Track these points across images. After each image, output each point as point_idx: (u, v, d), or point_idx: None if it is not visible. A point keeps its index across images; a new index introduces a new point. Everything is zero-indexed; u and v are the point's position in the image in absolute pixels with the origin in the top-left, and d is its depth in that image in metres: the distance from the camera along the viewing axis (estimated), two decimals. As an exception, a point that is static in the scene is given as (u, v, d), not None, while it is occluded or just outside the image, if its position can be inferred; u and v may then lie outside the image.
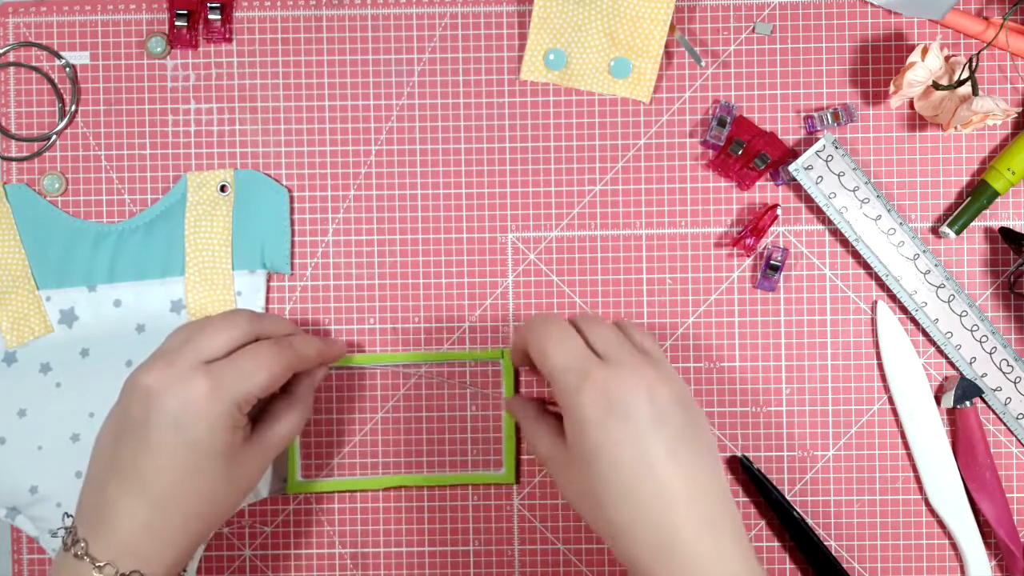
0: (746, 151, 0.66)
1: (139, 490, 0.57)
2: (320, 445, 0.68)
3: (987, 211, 0.66)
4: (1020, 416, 0.66)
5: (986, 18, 0.66)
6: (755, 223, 0.66)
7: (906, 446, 0.67)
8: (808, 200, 0.67)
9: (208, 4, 0.66)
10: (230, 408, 0.58)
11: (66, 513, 0.60)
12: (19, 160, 0.68)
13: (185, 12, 0.66)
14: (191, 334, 0.59)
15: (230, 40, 0.68)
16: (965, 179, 0.67)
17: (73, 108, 0.68)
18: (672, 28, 0.66)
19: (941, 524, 0.67)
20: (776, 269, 0.66)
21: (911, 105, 0.67)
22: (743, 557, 0.55)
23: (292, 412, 0.62)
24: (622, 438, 0.55)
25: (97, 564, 0.56)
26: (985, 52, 0.66)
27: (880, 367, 0.67)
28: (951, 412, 0.67)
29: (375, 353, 0.67)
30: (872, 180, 0.66)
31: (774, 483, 0.67)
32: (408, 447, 0.68)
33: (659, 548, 0.54)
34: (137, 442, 0.57)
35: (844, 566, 0.66)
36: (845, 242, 0.67)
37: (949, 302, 0.66)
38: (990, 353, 0.66)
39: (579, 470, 0.57)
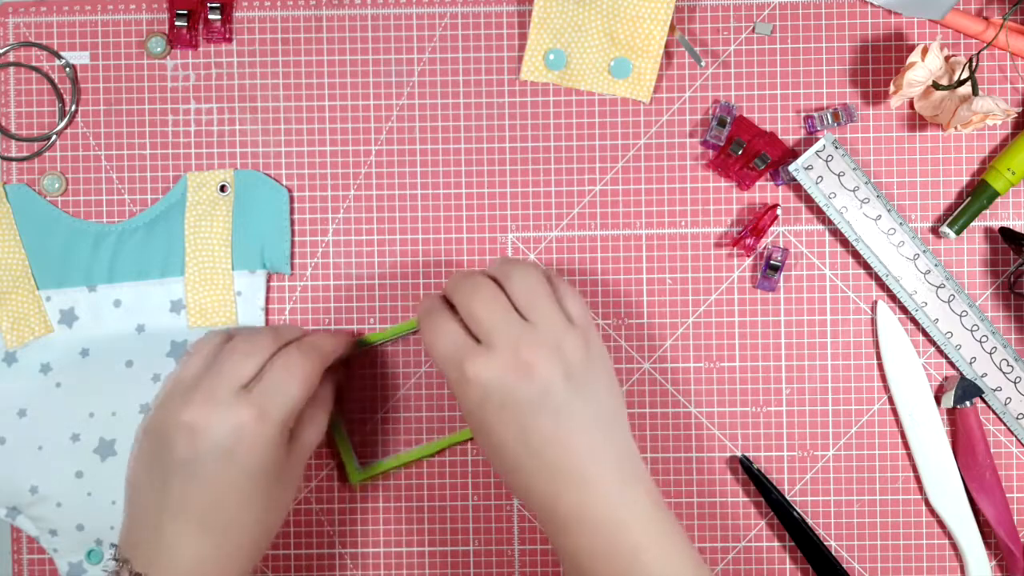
0: (746, 151, 0.66)
1: (198, 525, 0.57)
2: (365, 432, 0.68)
3: (987, 211, 0.66)
4: (1020, 416, 0.66)
5: (986, 18, 0.66)
6: (755, 223, 0.66)
7: (906, 446, 0.67)
8: (808, 200, 0.67)
9: (208, 4, 0.66)
10: (279, 429, 0.58)
11: (114, 554, 0.59)
12: (19, 160, 0.68)
13: (185, 12, 0.66)
14: (220, 363, 0.59)
15: (230, 40, 0.68)
16: (965, 179, 0.67)
17: (73, 108, 0.68)
18: (672, 28, 0.66)
19: (941, 524, 0.67)
20: (776, 269, 0.66)
21: (911, 105, 0.67)
22: (650, 505, 0.57)
23: (318, 413, 0.62)
24: (501, 421, 0.57)
25: None
26: (985, 52, 0.66)
27: (880, 367, 0.67)
28: (951, 412, 0.67)
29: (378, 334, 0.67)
30: (872, 180, 0.66)
31: (774, 483, 0.67)
32: (443, 402, 0.68)
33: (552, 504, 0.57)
34: (189, 479, 0.57)
35: (844, 566, 0.66)
36: (845, 242, 0.67)
37: (949, 302, 0.66)
38: (990, 353, 0.66)
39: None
